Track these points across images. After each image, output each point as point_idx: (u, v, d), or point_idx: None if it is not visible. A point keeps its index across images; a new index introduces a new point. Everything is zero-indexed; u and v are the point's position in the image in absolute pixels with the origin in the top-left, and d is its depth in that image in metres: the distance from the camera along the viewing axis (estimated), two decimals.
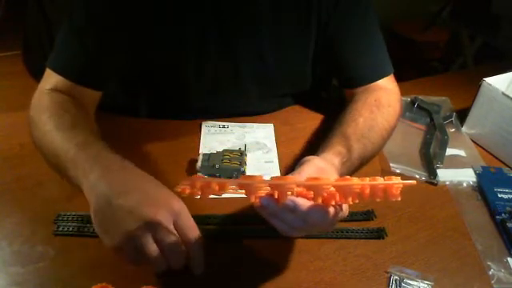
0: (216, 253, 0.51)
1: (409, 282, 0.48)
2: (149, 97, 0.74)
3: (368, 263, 0.50)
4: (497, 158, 0.68)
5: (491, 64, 0.96)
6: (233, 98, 0.72)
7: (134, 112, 0.74)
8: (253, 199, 0.41)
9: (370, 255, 0.51)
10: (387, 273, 0.49)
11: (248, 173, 0.62)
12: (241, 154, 0.63)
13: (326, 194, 0.41)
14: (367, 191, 0.40)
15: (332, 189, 0.41)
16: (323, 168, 0.49)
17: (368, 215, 0.56)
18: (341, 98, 0.75)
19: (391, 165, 0.64)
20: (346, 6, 0.66)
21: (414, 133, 0.73)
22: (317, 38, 0.69)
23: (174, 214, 0.45)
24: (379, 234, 0.54)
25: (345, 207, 0.45)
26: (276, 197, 0.41)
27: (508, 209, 0.58)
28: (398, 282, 0.48)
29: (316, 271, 0.49)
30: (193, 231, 0.46)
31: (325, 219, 0.43)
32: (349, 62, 0.70)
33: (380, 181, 0.40)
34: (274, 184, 0.41)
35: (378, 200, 0.40)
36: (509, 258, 0.52)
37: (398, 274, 0.49)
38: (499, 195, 0.60)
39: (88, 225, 0.53)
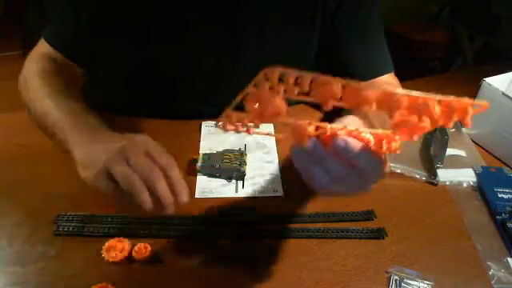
0: (215, 253, 0.51)
1: (409, 282, 0.48)
2: (148, 95, 0.74)
3: (368, 263, 0.50)
4: (497, 158, 0.68)
5: (491, 64, 0.96)
6: (233, 95, 0.72)
7: (135, 111, 0.74)
8: (299, 140, 0.38)
9: (370, 255, 0.51)
10: (387, 273, 0.49)
11: (248, 174, 0.62)
12: (241, 155, 0.63)
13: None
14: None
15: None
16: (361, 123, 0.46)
17: (368, 215, 0.56)
18: None
19: (391, 164, 0.64)
20: (350, 5, 0.66)
21: None
22: (321, 36, 0.69)
23: (142, 144, 0.47)
24: (379, 233, 0.54)
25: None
26: (325, 137, 0.38)
27: (508, 209, 0.58)
28: (398, 282, 0.48)
29: (316, 271, 0.49)
30: (165, 156, 0.47)
31: (374, 166, 0.39)
32: (352, 58, 0.70)
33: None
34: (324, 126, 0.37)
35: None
36: (509, 258, 0.52)
37: (398, 274, 0.49)
38: (499, 195, 0.60)
39: (88, 225, 0.53)
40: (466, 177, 0.64)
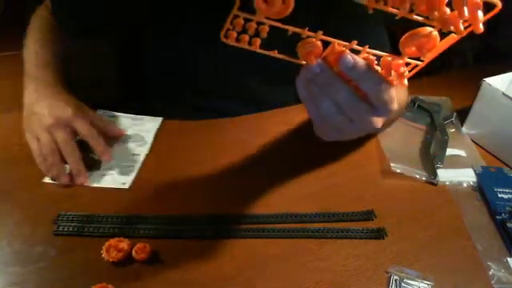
0: (215, 254, 0.51)
1: (409, 282, 0.48)
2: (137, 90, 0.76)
3: (368, 263, 0.50)
4: (497, 158, 0.68)
5: (491, 64, 0.96)
6: (235, 95, 0.72)
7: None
8: (304, 59, 0.36)
9: (370, 255, 0.51)
10: (387, 273, 0.49)
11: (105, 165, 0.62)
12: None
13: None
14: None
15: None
16: None
17: (368, 215, 0.56)
18: None
19: (391, 164, 0.64)
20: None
21: (414, 133, 0.73)
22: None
23: (69, 119, 0.60)
24: (379, 233, 0.54)
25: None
26: (332, 59, 0.36)
27: (508, 209, 0.58)
28: (398, 282, 0.48)
29: (316, 271, 0.49)
30: (90, 131, 0.61)
31: (381, 92, 0.37)
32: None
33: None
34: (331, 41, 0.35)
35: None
36: (509, 258, 0.52)
37: (397, 274, 0.49)
38: (499, 195, 0.60)
39: (88, 225, 0.53)
40: (466, 177, 0.64)
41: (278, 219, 0.55)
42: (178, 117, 0.72)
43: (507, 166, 0.66)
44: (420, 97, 0.79)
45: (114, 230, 0.52)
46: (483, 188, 0.61)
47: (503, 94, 0.65)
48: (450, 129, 0.73)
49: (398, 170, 0.64)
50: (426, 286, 0.48)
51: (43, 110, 0.61)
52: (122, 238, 0.50)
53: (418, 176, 0.63)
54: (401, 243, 0.53)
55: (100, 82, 0.86)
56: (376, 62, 0.38)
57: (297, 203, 0.58)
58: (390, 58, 0.37)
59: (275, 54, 0.38)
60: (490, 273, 0.50)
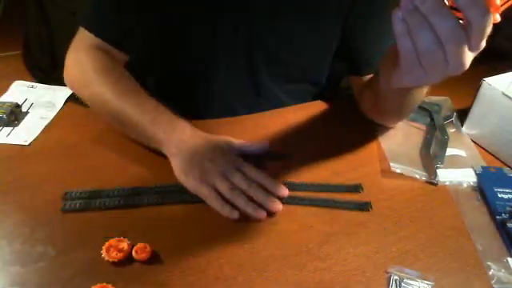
0: (215, 254, 0.51)
1: (409, 282, 0.48)
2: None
3: (368, 263, 0.50)
4: (497, 158, 0.68)
5: (491, 64, 0.96)
6: (238, 72, 0.73)
7: None
8: None
9: (370, 255, 0.51)
10: (387, 273, 0.49)
11: (23, 126, 0.68)
12: (16, 106, 0.70)
13: None
14: None
15: None
16: None
17: (355, 188, 0.60)
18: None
19: (391, 164, 0.64)
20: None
21: (415, 132, 0.73)
22: (340, 32, 0.71)
23: (233, 161, 0.59)
24: (364, 206, 0.57)
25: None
26: None
27: (508, 209, 0.58)
28: (398, 282, 0.48)
29: (316, 271, 0.49)
30: (253, 169, 0.59)
31: (486, 20, 0.36)
32: (366, 46, 0.71)
33: None
34: None
35: None
36: (509, 258, 0.52)
37: (398, 274, 0.49)
38: (499, 195, 0.60)
39: (95, 200, 0.56)
40: (466, 177, 0.64)
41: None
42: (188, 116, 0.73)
43: (507, 166, 0.66)
44: None
45: (120, 202, 0.55)
46: (483, 188, 0.61)
47: (503, 93, 0.65)
48: (450, 129, 0.73)
49: (398, 170, 0.64)
50: (426, 286, 0.48)
51: (209, 151, 0.59)
52: (122, 238, 0.50)
53: (418, 176, 0.63)
54: (401, 243, 0.53)
55: None
56: None
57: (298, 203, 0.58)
58: None
59: None
60: (490, 273, 0.50)
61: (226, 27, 0.68)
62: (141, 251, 0.49)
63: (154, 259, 0.49)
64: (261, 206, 0.55)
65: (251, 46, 0.70)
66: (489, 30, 0.37)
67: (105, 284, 0.45)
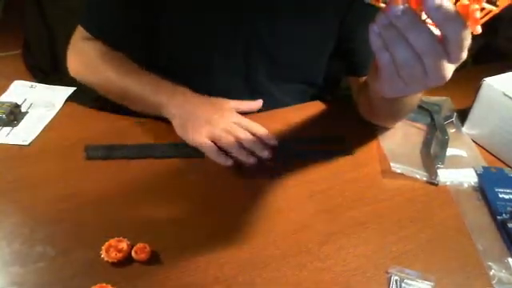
0: (215, 254, 0.51)
1: (409, 282, 0.48)
2: None
3: (368, 263, 0.50)
4: (498, 158, 0.68)
5: (491, 64, 0.96)
6: (236, 72, 0.74)
7: None
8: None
9: (370, 255, 0.51)
10: (387, 273, 0.49)
11: (22, 126, 0.68)
12: (16, 107, 0.70)
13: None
14: None
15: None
16: None
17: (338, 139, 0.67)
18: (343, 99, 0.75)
19: (392, 164, 0.64)
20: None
21: (415, 133, 0.73)
22: (338, 32, 0.72)
23: (230, 116, 0.66)
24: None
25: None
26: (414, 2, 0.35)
27: (509, 209, 0.57)
28: (398, 283, 0.48)
29: (316, 271, 0.49)
30: (247, 121, 0.66)
31: (463, 33, 0.36)
32: (358, 50, 0.71)
33: None
34: None
35: None
36: (509, 259, 0.52)
37: (398, 274, 0.49)
38: (500, 195, 0.60)
39: (117, 151, 0.63)
40: (467, 177, 0.63)
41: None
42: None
43: (508, 166, 0.66)
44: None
45: (139, 154, 0.63)
46: (484, 188, 0.61)
47: (503, 93, 0.65)
48: (451, 129, 0.73)
49: (399, 171, 0.64)
50: (426, 286, 0.48)
51: (209, 112, 0.65)
52: (121, 239, 0.49)
53: (418, 176, 0.63)
54: (401, 243, 0.53)
55: None
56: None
57: (298, 203, 0.58)
58: (467, 2, 0.36)
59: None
60: (491, 273, 0.50)
61: (225, 27, 0.68)
62: (140, 251, 0.49)
63: (153, 259, 0.49)
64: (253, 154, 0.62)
65: (249, 46, 0.70)
66: (467, 42, 0.37)
67: (105, 284, 0.45)
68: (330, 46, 0.74)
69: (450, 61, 0.38)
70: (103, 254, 0.48)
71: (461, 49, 0.37)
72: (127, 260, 0.48)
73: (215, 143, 0.62)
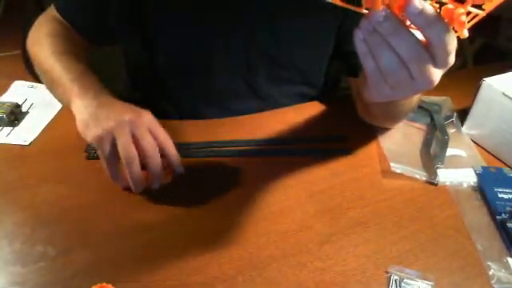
0: (215, 254, 0.51)
1: (409, 281, 0.48)
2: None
3: (368, 263, 0.50)
4: (497, 158, 0.68)
5: (491, 64, 0.96)
6: (236, 73, 0.74)
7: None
8: (368, 5, 0.36)
9: (370, 255, 0.51)
10: (387, 273, 0.49)
11: (23, 126, 0.68)
12: (17, 107, 0.71)
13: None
14: None
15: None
16: None
17: (340, 138, 0.67)
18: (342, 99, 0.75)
19: (391, 164, 0.64)
20: None
21: (415, 133, 0.73)
22: (337, 34, 0.72)
23: (148, 122, 0.55)
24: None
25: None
26: (397, 4, 0.35)
27: (508, 209, 0.58)
28: (398, 282, 0.48)
29: (316, 271, 0.49)
30: (164, 134, 0.56)
31: (447, 37, 0.35)
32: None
33: None
34: None
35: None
36: (509, 258, 0.52)
37: (398, 274, 0.49)
38: (499, 195, 0.60)
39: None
40: (467, 177, 0.64)
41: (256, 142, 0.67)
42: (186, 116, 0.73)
43: (507, 166, 0.66)
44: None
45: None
46: (483, 188, 0.61)
47: (503, 94, 0.65)
48: (451, 129, 0.73)
49: (398, 171, 0.64)
50: (426, 286, 0.48)
51: (113, 114, 0.54)
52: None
53: (418, 176, 0.63)
54: (401, 243, 0.53)
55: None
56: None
57: (298, 203, 0.58)
58: (452, 6, 0.36)
59: (337, 1, 0.37)
60: (490, 273, 0.50)
61: (225, 27, 0.68)
62: None
63: (153, 259, 0.49)
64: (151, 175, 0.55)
65: (249, 47, 0.70)
66: (453, 46, 0.37)
67: (105, 284, 0.45)
68: (331, 46, 0.74)
69: (436, 65, 0.38)
70: None
71: (446, 53, 0.37)
72: None
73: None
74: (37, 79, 0.81)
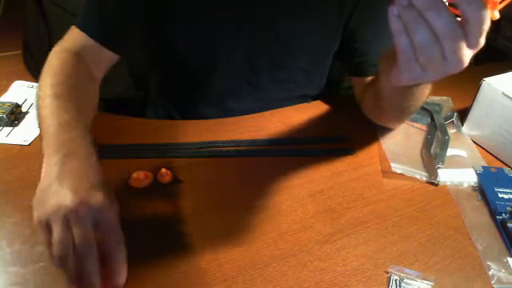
0: (215, 254, 0.51)
1: (409, 281, 0.48)
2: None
3: (368, 263, 0.50)
4: (497, 158, 0.68)
5: (491, 64, 0.96)
6: (239, 73, 0.73)
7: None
8: None
9: (370, 255, 0.51)
10: (387, 273, 0.49)
11: (23, 126, 0.67)
12: (17, 107, 0.70)
13: None
14: None
15: None
16: None
17: (341, 138, 0.68)
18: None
19: (392, 165, 0.64)
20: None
21: (415, 133, 0.73)
22: (342, 33, 0.71)
23: (98, 208, 0.42)
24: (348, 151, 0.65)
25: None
26: None
27: (508, 209, 0.58)
28: (398, 282, 0.48)
29: (316, 271, 0.49)
30: (114, 231, 0.42)
31: (483, 15, 0.35)
32: (366, 47, 0.71)
33: None
34: None
35: None
36: (509, 258, 0.52)
37: (397, 274, 0.49)
38: (500, 195, 0.60)
39: (117, 151, 0.63)
40: (467, 177, 0.64)
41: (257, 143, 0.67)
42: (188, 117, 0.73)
43: (507, 166, 0.66)
44: None
45: (138, 154, 0.63)
46: (484, 188, 0.61)
47: (503, 94, 0.65)
48: (451, 129, 0.73)
49: (399, 171, 0.64)
50: (426, 286, 0.48)
51: (64, 192, 0.44)
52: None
53: (418, 176, 0.63)
54: (401, 243, 0.53)
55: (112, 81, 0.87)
56: None
57: (298, 203, 0.58)
58: None
59: None
60: (490, 273, 0.50)
61: (228, 27, 0.68)
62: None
63: (153, 259, 0.49)
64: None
65: (252, 48, 0.70)
66: (487, 26, 0.37)
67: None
68: (333, 47, 0.74)
69: (469, 45, 0.38)
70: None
71: (480, 32, 0.37)
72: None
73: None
74: (37, 79, 0.81)
